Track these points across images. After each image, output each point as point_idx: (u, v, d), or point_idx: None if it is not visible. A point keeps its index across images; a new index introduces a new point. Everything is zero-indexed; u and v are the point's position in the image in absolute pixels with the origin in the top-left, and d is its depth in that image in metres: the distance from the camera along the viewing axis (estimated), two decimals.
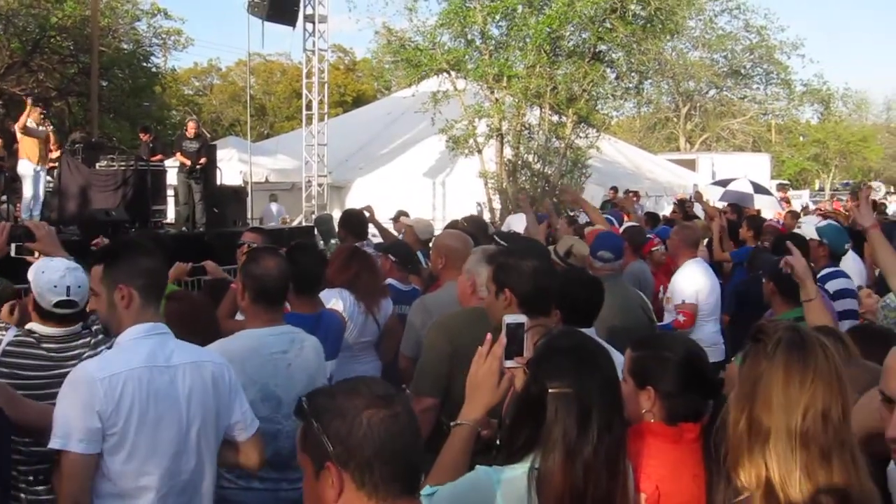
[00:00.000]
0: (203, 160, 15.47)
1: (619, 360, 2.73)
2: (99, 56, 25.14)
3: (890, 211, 20.07)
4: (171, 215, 16.80)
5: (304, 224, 19.24)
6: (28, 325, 3.70)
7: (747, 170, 21.90)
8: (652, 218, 12.12)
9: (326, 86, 22.14)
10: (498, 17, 20.57)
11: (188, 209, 15.47)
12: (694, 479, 2.52)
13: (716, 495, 2.35)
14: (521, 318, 2.62)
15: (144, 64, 34.43)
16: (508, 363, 2.51)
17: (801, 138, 56.01)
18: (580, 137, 20.93)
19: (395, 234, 8.22)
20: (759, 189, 15.00)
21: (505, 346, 2.50)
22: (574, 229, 7.85)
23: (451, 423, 2.52)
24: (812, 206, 25.35)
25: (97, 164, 15.63)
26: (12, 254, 3.89)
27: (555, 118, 20.78)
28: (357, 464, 1.81)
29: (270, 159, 24.38)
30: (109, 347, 3.23)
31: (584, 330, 3.20)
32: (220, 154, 18.90)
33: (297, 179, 22.34)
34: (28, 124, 13.91)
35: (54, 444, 2.75)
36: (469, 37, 20.90)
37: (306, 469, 1.89)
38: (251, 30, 20.90)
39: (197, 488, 3.01)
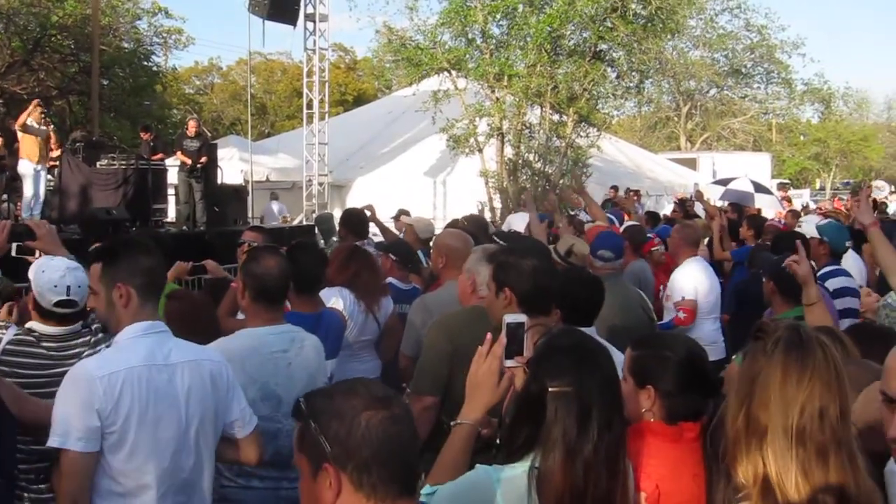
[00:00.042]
0: (204, 159, 15.47)
1: (619, 359, 2.73)
2: (100, 55, 25.14)
3: (891, 210, 20.05)
4: (171, 214, 16.79)
5: (304, 223, 19.23)
6: (28, 324, 3.70)
7: (748, 169, 21.88)
8: (652, 217, 12.12)
9: (327, 85, 22.16)
10: (499, 17, 20.55)
11: (189, 208, 15.48)
12: (694, 478, 2.53)
13: (715, 494, 2.35)
14: (521, 318, 2.62)
15: (145, 63, 34.41)
16: (508, 362, 2.51)
17: (801, 137, 55.99)
18: (581, 137, 20.92)
19: (396, 232, 8.22)
20: (759, 188, 14.99)
21: (505, 345, 2.50)
22: (574, 228, 7.85)
23: (452, 423, 2.52)
24: (812, 206, 25.33)
25: (98, 163, 15.62)
26: (13, 253, 3.89)
27: (555, 117, 20.77)
28: (355, 465, 1.81)
29: (271, 158, 24.40)
30: (109, 346, 3.24)
31: (584, 329, 3.20)
32: (221, 153, 18.90)
33: (297, 178, 22.35)
34: (28, 123, 13.91)
35: (53, 442, 2.76)
36: (470, 36, 20.88)
37: (303, 469, 1.89)
38: (252, 29, 20.94)
39: (196, 486, 3.01)
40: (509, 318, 2.60)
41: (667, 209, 18.35)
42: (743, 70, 46.65)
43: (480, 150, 20.69)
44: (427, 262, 6.70)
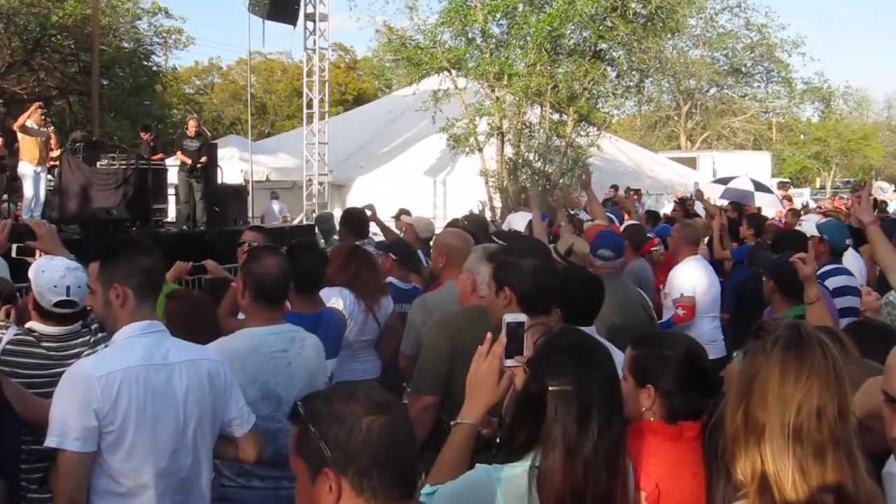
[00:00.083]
0: (204, 159, 15.47)
1: (619, 358, 2.73)
2: (100, 55, 25.15)
3: (891, 209, 20.03)
4: (171, 214, 16.78)
5: (304, 223, 19.23)
6: (28, 324, 3.71)
7: (748, 168, 21.83)
8: (652, 216, 12.13)
9: (327, 84, 22.16)
10: (499, 16, 20.55)
11: (189, 208, 15.47)
12: (694, 477, 2.53)
13: (715, 493, 2.35)
14: (521, 317, 2.62)
15: (145, 63, 34.43)
16: (508, 362, 2.51)
17: (801, 136, 55.98)
18: (581, 136, 20.91)
19: (397, 232, 8.22)
20: (759, 187, 14.97)
21: (505, 344, 2.50)
22: (574, 227, 7.85)
23: (452, 422, 2.52)
24: (812, 205, 25.33)
25: (98, 163, 15.61)
26: (13, 255, 3.89)
27: (555, 116, 20.76)
28: (356, 470, 1.80)
29: (271, 158, 24.39)
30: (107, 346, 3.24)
31: (584, 328, 3.21)
32: (221, 153, 18.90)
33: (297, 178, 22.35)
34: (27, 124, 13.92)
35: (50, 442, 2.76)
36: (470, 35, 20.88)
37: (300, 474, 1.88)
38: (252, 28, 20.95)
39: (194, 485, 3.01)
40: (509, 317, 2.60)
41: (667, 208, 18.35)
42: (743, 69, 46.63)
43: (480, 150, 20.69)
44: (427, 261, 6.70)
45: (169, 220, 16.49)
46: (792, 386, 1.88)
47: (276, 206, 20.94)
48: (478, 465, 2.32)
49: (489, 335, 2.50)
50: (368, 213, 7.68)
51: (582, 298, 3.98)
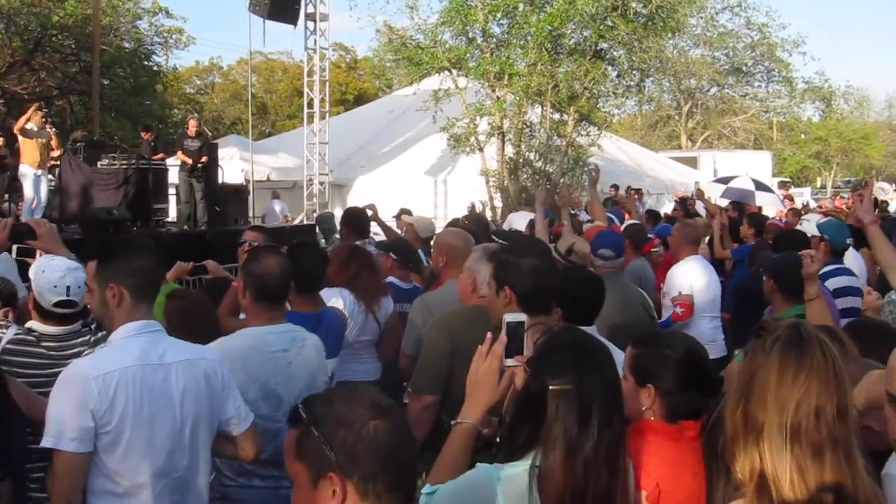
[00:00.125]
0: (204, 159, 15.47)
1: (620, 357, 2.73)
2: (100, 55, 25.14)
3: (892, 208, 20.01)
4: (172, 214, 16.78)
5: (305, 222, 19.23)
6: (28, 324, 3.71)
7: (749, 167, 21.83)
8: (653, 216, 12.13)
9: (328, 84, 22.16)
10: (499, 15, 20.53)
11: (189, 208, 15.47)
12: (694, 476, 2.53)
13: (716, 493, 2.36)
14: (522, 317, 2.62)
15: (146, 62, 34.45)
16: (509, 361, 2.51)
17: (802, 136, 55.96)
18: (581, 135, 20.89)
19: (398, 231, 8.22)
20: (760, 186, 14.97)
21: (505, 344, 2.50)
22: (573, 227, 7.85)
23: (452, 422, 2.52)
24: (813, 204, 25.32)
25: (99, 163, 15.62)
26: (13, 256, 3.89)
27: (556, 116, 20.75)
28: (362, 474, 1.80)
29: (272, 158, 24.37)
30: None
31: (585, 328, 3.21)
32: (222, 152, 18.89)
33: (298, 178, 22.35)
34: (27, 127, 13.94)
35: (46, 442, 2.75)
36: (470, 35, 20.87)
37: (299, 478, 1.86)
38: (252, 28, 20.96)
39: (191, 485, 3.01)
40: (509, 317, 2.60)
41: (667, 207, 18.34)
42: (744, 68, 46.64)
43: (481, 149, 20.68)
44: (427, 261, 6.70)
45: (170, 219, 16.48)
46: (790, 385, 1.89)
47: (277, 205, 20.95)
48: (478, 464, 2.32)
49: (489, 335, 2.50)
50: (370, 212, 7.68)
51: (582, 298, 3.98)
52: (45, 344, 3.62)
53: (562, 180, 20.17)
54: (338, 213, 11.04)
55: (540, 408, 2.25)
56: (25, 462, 3.16)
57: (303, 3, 20.78)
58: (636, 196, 17.07)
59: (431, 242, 6.65)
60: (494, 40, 20.81)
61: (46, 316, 3.64)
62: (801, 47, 44.53)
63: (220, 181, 16.82)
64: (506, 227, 9.08)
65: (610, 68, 20.98)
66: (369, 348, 5.31)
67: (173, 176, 16.33)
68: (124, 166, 15.39)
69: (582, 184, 19.32)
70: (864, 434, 2.28)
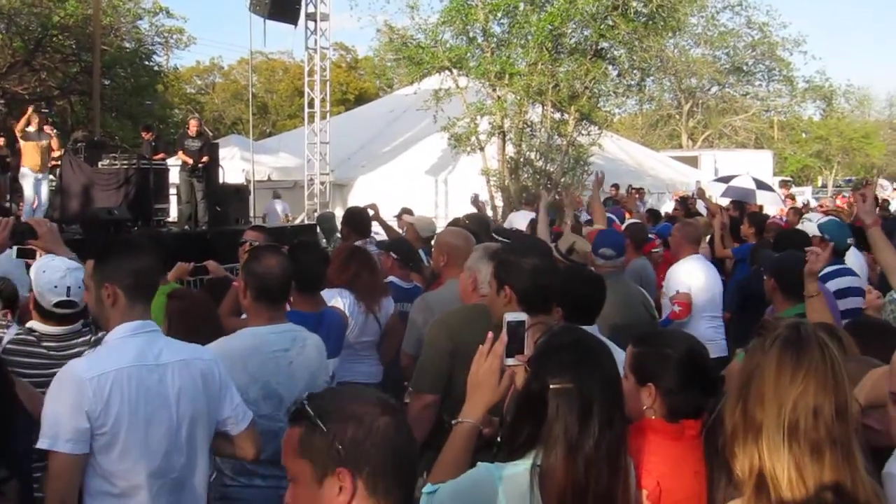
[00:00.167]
0: (205, 158, 15.48)
1: (620, 356, 2.73)
2: (101, 55, 25.14)
3: (893, 207, 19.99)
4: (173, 214, 16.78)
5: (306, 222, 19.23)
6: (28, 324, 3.72)
7: (749, 167, 21.82)
8: (653, 215, 12.13)
9: (328, 84, 22.16)
10: (500, 15, 20.53)
11: (190, 208, 15.48)
12: (695, 475, 2.53)
13: (717, 492, 2.36)
14: (522, 316, 2.62)
15: (146, 62, 34.46)
16: (509, 361, 2.51)
17: (803, 135, 55.93)
18: (582, 135, 20.89)
19: (400, 231, 8.22)
20: (761, 185, 14.99)
21: (506, 343, 2.50)
22: (573, 227, 7.85)
23: (453, 421, 2.52)
24: (813, 203, 25.30)
25: (99, 163, 15.63)
26: (13, 256, 3.89)
27: (557, 116, 20.75)
28: (371, 470, 1.80)
29: (273, 157, 24.39)
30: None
31: (586, 327, 3.20)
32: (223, 152, 18.89)
33: (299, 178, 22.35)
34: (27, 129, 13.97)
35: (42, 444, 2.74)
36: (471, 34, 20.87)
37: (302, 476, 1.85)
38: (253, 28, 21.02)
39: (188, 486, 3.00)
40: (510, 316, 2.60)
41: (668, 207, 18.34)
42: (744, 68, 46.64)
43: (482, 149, 20.69)
44: (428, 260, 6.70)
45: (170, 219, 16.48)
46: (788, 384, 1.89)
47: (278, 205, 20.94)
48: (479, 463, 2.32)
49: (490, 334, 2.50)
50: (371, 212, 7.68)
51: (583, 297, 3.98)
52: (45, 344, 3.63)
53: (562, 180, 20.17)
54: (338, 213, 11.04)
55: (541, 407, 2.25)
56: (31, 462, 3.16)
57: (303, 3, 20.79)
58: (637, 195, 17.07)
59: (432, 242, 6.65)
60: (495, 40, 20.81)
61: (47, 316, 3.64)
62: (801, 46, 44.59)
63: (220, 181, 16.83)
64: (506, 226, 9.06)
65: (610, 67, 20.99)
66: (370, 349, 5.31)
67: (174, 176, 16.33)
68: (125, 166, 15.39)
69: (583, 183, 19.32)
70: (864, 432, 2.28)
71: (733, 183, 14.80)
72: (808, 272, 4.04)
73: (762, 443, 1.89)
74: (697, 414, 2.61)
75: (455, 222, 7.94)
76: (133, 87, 32.97)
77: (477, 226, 7.23)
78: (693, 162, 33.40)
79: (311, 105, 21.83)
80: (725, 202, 13.20)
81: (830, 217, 7.28)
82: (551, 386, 2.25)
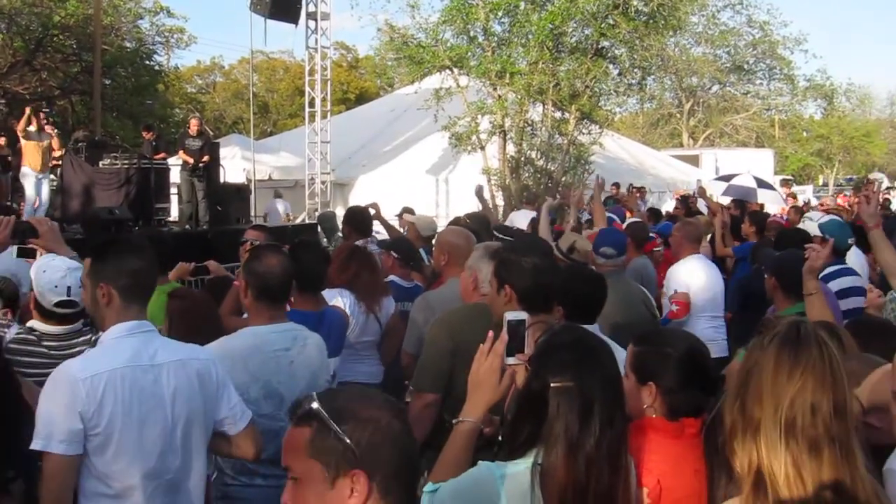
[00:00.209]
0: (206, 158, 15.47)
1: (621, 355, 2.73)
2: (102, 54, 25.14)
3: (893, 206, 19.97)
4: (174, 213, 16.77)
5: (307, 221, 19.24)
6: (29, 323, 3.72)
7: (750, 165, 21.80)
8: (654, 214, 12.12)
9: (329, 83, 22.15)
10: (500, 14, 20.52)
11: (191, 207, 15.48)
12: (695, 473, 2.53)
13: (717, 490, 2.36)
14: (523, 315, 2.62)
15: (147, 62, 34.47)
16: (510, 360, 2.51)
17: (804, 134, 55.91)
18: (583, 134, 20.89)
19: (401, 230, 8.22)
20: (762, 184, 14.99)
21: (506, 342, 2.50)
22: (574, 227, 7.85)
23: (453, 420, 2.52)
24: (814, 202, 25.28)
25: (100, 163, 15.62)
26: (14, 256, 3.90)
27: (557, 115, 20.74)
28: (385, 473, 1.80)
29: (273, 157, 24.39)
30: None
31: (587, 326, 3.21)
32: (223, 152, 18.88)
33: (300, 177, 22.36)
34: (29, 129, 13.98)
35: (36, 445, 2.73)
36: (471, 33, 20.87)
37: (311, 476, 1.83)
38: (254, 27, 21.00)
39: (184, 487, 2.99)
40: (510, 315, 2.60)
41: (669, 206, 18.33)
42: (745, 66, 46.64)
43: (483, 148, 20.68)
44: (429, 259, 6.71)
45: (171, 219, 16.47)
46: (785, 381, 1.89)
47: (280, 205, 20.93)
48: (480, 462, 2.33)
49: (491, 333, 2.50)
50: (372, 211, 7.69)
51: (584, 296, 3.98)
52: (46, 343, 3.63)
53: (563, 179, 20.17)
54: (339, 212, 11.04)
55: (541, 406, 2.26)
56: (37, 462, 3.16)
57: (304, 3, 20.79)
58: (638, 194, 17.06)
59: (433, 241, 6.65)
60: (496, 39, 20.81)
61: (47, 315, 3.65)
62: (802, 45, 44.60)
63: (221, 180, 16.83)
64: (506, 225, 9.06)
65: (611, 66, 20.99)
66: (371, 349, 5.31)
67: (175, 175, 16.31)
68: (126, 166, 15.39)
69: (584, 182, 19.31)
70: (865, 430, 2.28)
71: (734, 182, 14.80)
72: (808, 269, 4.04)
73: (760, 440, 1.89)
74: (697, 413, 2.61)
75: (456, 221, 7.94)
76: (134, 87, 32.98)
77: (478, 225, 7.23)
78: (694, 161, 33.38)
79: (311, 104, 21.83)
80: (726, 201, 13.19)
81: (832, 216, 7.26)
82: (552, 385, 2.25)
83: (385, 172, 22.36)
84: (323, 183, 21.58)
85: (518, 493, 2.20)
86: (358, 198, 18.45)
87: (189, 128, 15.80)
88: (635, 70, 21.63)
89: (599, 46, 20.19)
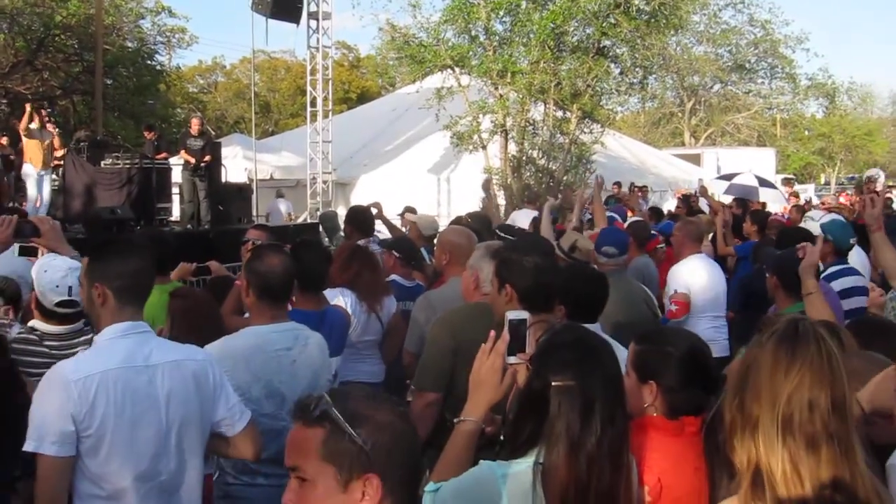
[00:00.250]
0: (208, 158, 15.46)
1: (623, 354, 2.74)
2: (103, 54, 25.13)
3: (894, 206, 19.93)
4: (175, 213, 16.78)
5: (308, 221, 19.24)
6: (30, 323, 3.73)
7: (752, 164, 21.84)
8: (656, 213, 12.12)
9: (331, 83, 22.14)
10: (502, 13, 20.52)
11: (193, 207, 15.48)
12: (696, 472, 2.54)
13: (718, 489, 2.36)
14: (524, 315, 2.62)
15: (149, 62, 34.46)
16: (511, 359, 2.51)
17: (806, 132, 55.84)
18: (584, 133, 20.88)
19: (403, 230, 8.22)
20: (763, 183, 15.01)
21: (507, 342, 2.50)
22: (575, 226, 7.85)
23: (455, 420, 2.52)
24: (815, 201, 25.23)
25: (102, 163, 15.66)
26: (15, 254, 3.90)
27: (559, 114, 20.74)
28: (396, 476, 1.80)
29: (275, 156, 24.40)
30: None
31: (588, 325, 3.21)
32: (225, 151, 18.88)
33: (301, 176, 22.35)
34: (31, 127, 13.99)
35: (28, 446, 2.71)
36: (473, 33, 20.86)
37: (322, 478, 1.81)
38: (255, 27, 20.91)
39: (179, 489, 2.96)
40: (511, 314, 2.60)
41: (670, 205, 18.32)
42: (747, 65, 46.64)
43: (484, 147, 20.68)
44: (430, 259, 6.71)
45: (173, 218, 16.48)
46: (782, 378, 1.89)
47: (282, 205, 20.92)
48: (482, 461, 2.33)
49: (492, 333, 2.50)
50: (374, 211, 7.69)
51: (586, 295, 3.98)
52: (47, 343, 3.64)
53: (565, 178, 20.17)
54: (341, 212, 11.04)
55: (543, 405, 2.26)
56: None
57: (305, 2, 20.77)
58: (640, 193, 17.05)
59: (435, 240, 6.66)
60: (497, 38, 20.81)
61: (48, 315, 3.65)
62: (804, 44, 44.67)
63: (223, 180, 16.83)
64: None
65: (613, 65, 20.98)
66: (373, 348, 5.31)
67: (177, 175, 16.31)
68: (127, 166, 15.42)
69: (586, 182, 19.30)
70: (867, 428, 2.28)
71: (736, 181, 14.82)
72: (805, 268, 4.04)
73: (758, 437, 1.89)
74: (698, 411, 2.62)
75: (457, 221, 7.94)
76: (135, 87, 32.96)
77: (479, 224, 7.23)
78: (696, 160, 33.35)
79: (313, 104, 21.82)
80: (728, 200, 13.19)
81: (833, 216, 7.27)
82: (553, 383, 2.25)
83: (386, 172, 22.36)
84: (324, 182, 21.58)
85: (519, 492, 2.20)
86: (359, 197, 18.45)
87: (191, 127, 15.78)
88: (637, 69, 21.63)
89: (601, 45, 20.18)
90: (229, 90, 53.36)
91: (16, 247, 3.81)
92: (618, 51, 20.98)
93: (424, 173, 22.15)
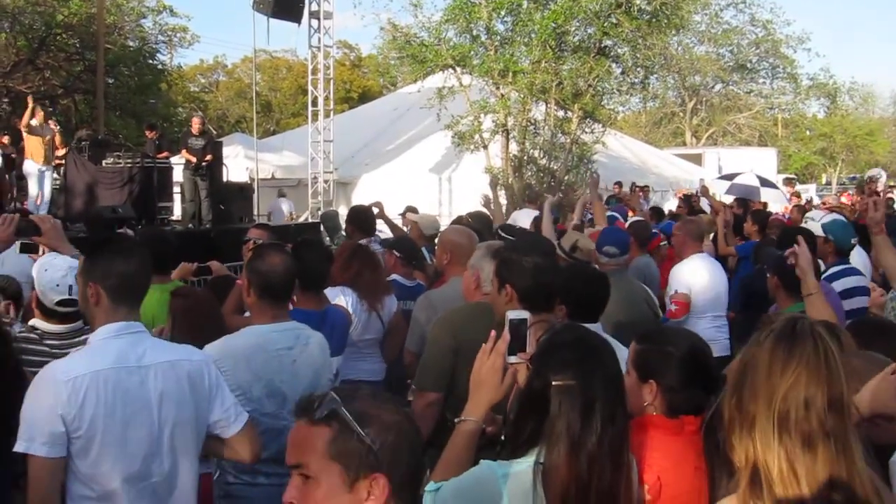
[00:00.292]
0: (209, 157, 15.45)
1: (623, 354, 2.74)
2: (105, 53, 25.13)
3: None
4: (177, 212, 16.76)
5: (310, 220, 19.24)
6: (31, 322, 3.73)
7: (753, 164, 21.80)
8: (657, 213, 12.11)
9: (332, 82, 22.13)
10: (503, 13, 20.51)
11: (194, 206, 15.47)
12: (695, 470, 2.54)
13: (718, 489, 2.36)
14: (524, 314, 2.62)
15: (150, 61, 34.46)
16: (511, 359, 2.51)
17: (807, 132, 55.83)
18: (586, 133, 20.87)
19: (405, 229, 8.23)
20: (765, 183, 14.99)
21: (508, 342, 2.50)
22: (576, 226, 7.85)
23: (455, 419, 2.53)
24: (817, 201, 25.22)
25: (103, 162, 15.63)
26: (16, 252, 3.90)
27: (560, 113, 20.73)
28: (404, 476, 1.81)
29: (276, 156, 24.39)
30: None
31: (589, 325, 3.21)
32: (226, 151, 18.87)
33: (303, 176, 22.34)
34: (33, 124, 14.00)
35: (19, 447, 2.69)
36: (474, 32, 20.85)
37: (327, 478, 1.80)
38: (257, 26, 20.93)
39: (172, 491, 2.93)
40: (512, 314, 2.60)
41: (672, 204, 18.31)
42: (748, 65, 46.66)
43: (485, 147, 20.67)
44: (431, 258, 6.71)
45: (174, 218, 16.47)
46: (779, 376, 1.89)
47: (284, 204, 20.92)
48: (482, 461, 2.33)
49: (493, 333, 2.51)
50: (376, 210, 7.69)
51: (587, 295, 3.98)
52: (47, 342, 3.64)
53: (566, 178, 20.16)
54: (342, 211, 11.04)
55: (543, 404, 2.26)
56: None
57: (307, 2, 20.78)
58: (641, 193, 17.04)
59: (436, 240, 6.66)
60: (498, 38, 20.80)
61: (49, 314, 3.65)
62: (805, 44, 44.70)
63: (224, 179, 16.82)
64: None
65: (614, 65, 20.97)
66: (374, 347, 5.31)
67: (178, 174, 16.29)
68: (129, 165, 15.40)
69: (587, 181, 19.31)
70: (869, 428, 2.27)
71: (737, 180, 14.80)
72: (802, 267, 4.04)
73: (755, 435, 1.89)
74: (698, 411, 2.62)
75: (458, 220, 7.94)
76: (137, 86, 32.97)
77: (480, 224, 7.23)
78: (697, 160, 33.34)
79: (314, 103, 21.81)
80: (729, 200, 13.18)
81: (835, 215, 7.26)
82: (553, 383, 2.26)
83: (388, 171, 22.35)
84: (326, 182, 21.58)
85: (520, 491, 2.20)
86: (361, 197, 18.45)
87: (192, 127, 15.77)
88: (638, 69, 21.62)
89: (602, 45, 20.18)
90: (231, 89, 53.35)
91: (17, 244, 3.81)
92: (619, 50, 20.98)
93: (426, 173, 22.13)
